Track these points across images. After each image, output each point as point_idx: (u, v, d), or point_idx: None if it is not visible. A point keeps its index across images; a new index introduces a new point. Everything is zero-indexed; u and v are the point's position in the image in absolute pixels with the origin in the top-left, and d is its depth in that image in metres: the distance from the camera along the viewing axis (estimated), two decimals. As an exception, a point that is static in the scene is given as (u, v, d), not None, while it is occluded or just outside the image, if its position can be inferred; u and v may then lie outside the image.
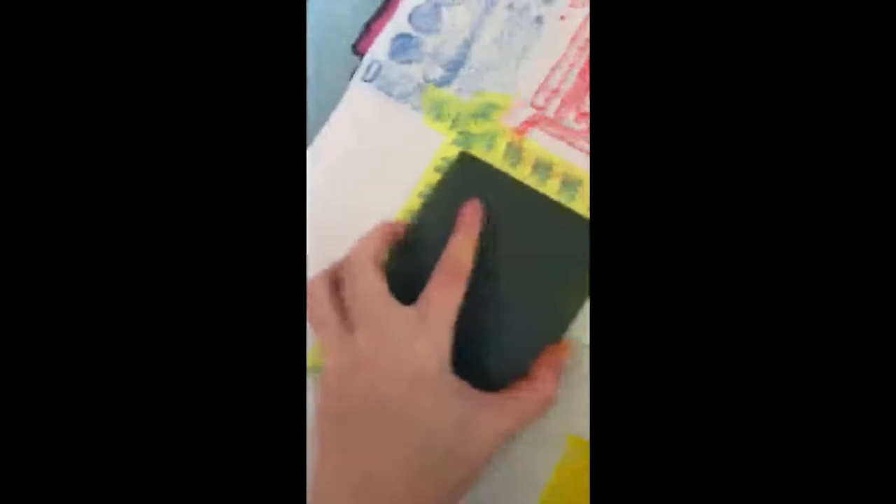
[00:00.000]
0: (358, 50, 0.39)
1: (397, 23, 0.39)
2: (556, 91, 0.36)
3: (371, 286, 0.31)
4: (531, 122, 0.36)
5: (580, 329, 0.33)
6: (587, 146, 0.35)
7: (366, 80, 0.39)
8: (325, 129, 0.39)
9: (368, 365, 0.29)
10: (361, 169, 0.38)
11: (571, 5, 0.37)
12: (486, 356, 0.32)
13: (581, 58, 0.37)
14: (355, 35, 0.40)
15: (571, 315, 0.33)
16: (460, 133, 0.37)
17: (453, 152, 0.37)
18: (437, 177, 0.36)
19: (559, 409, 0.31)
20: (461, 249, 0.32)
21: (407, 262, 0.34)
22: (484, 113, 0.37)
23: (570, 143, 0.36)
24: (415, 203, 0.37)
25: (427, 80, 0.38)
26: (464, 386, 0.30)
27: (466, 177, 0.36)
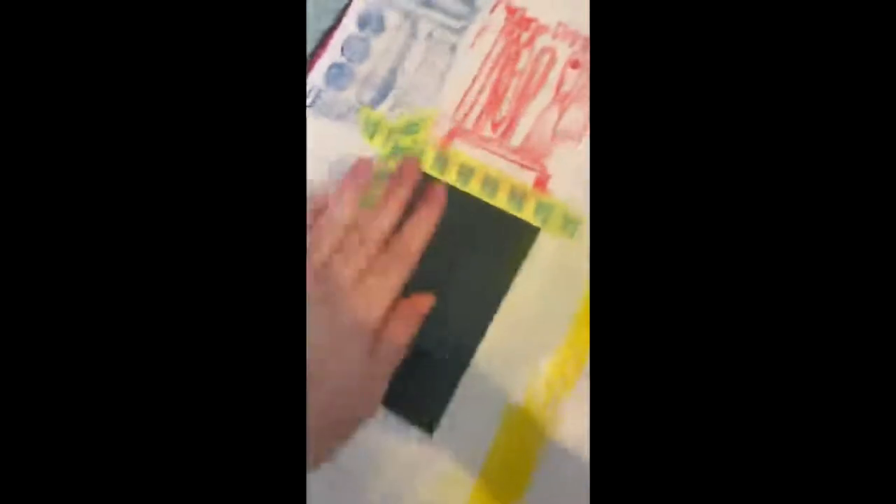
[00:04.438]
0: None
1: (331, 54, 0.44)
2: (472, 107, 0.43)
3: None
4: (454, 134, 0.43)
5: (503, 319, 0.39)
6: (501, 151, 0.42)
7: (308, 106, 0.44)
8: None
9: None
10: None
11: (478, 35, 0.44)
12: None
13: (491, 77, 0.43)
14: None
15: (494, 303, 0.39)
16: (394, 147, 0.43)
17: (390, 165, 0.43)
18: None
19: (498, 379, 0.38)
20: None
21: None
22: (413, 128, 0.43)
23: (488, 150, 0.42)
24: (358, 209, 0.42)
25: (361, 103, 0.44)
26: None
27: None
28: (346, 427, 0.36)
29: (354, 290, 0.36)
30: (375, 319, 0.36)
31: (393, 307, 0.37)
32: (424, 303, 0.38)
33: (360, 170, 0.40)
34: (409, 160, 0.41)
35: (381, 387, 0.36)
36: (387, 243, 0.38)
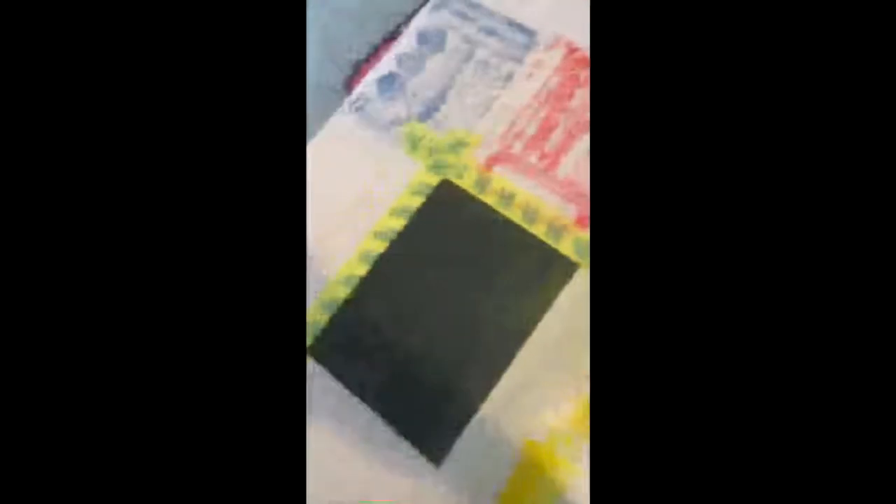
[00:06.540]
0: (349, 86, 0.44)
1: (386, 63, 0.44)
2: (519, 135, 0.42)
3: None
4: (499, 159, 0.42)
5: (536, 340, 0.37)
6: (545, 180, 0.41)
7: (351, 111, 0.43)
8: (308, 152, 0.42)
9: None
10: (341, 189, 0.42)
11: (536, 66, 0.44)
12: None
13: (541, 110, 0.43)
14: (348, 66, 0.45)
15: (532, 319, 0.38)
16: (435, 163, 0.42)
17: (430, 178, 0.41)
18: (414, 199, 0.41)
19: (516, 414, 0.35)
20: None
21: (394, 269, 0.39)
22: (456, 148, 0.42)
23: (532, 178, 0.41)
24: (391, 221, 0.41)
25: (408, 115, 0.43)
26: None
27: (445, 200, 0.41)
28: None
29: None
30: None
31: None
32: None
33: None
34: None
35: None
36: None
